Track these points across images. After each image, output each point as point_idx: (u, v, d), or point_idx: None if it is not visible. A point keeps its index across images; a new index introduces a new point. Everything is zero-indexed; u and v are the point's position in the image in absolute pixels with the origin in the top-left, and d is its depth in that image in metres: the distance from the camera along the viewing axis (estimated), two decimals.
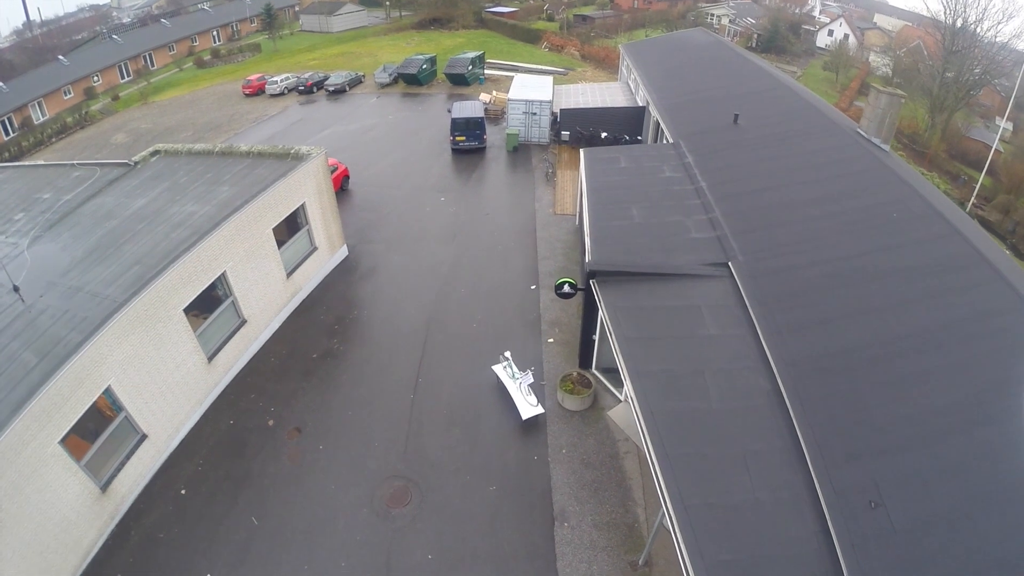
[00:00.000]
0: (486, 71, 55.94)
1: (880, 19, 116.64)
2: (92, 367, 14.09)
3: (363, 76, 57.44)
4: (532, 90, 38.89)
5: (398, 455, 16.80)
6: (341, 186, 31.55)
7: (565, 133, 37.31)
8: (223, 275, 18.47)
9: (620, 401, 17.83)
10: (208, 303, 18.47)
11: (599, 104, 37.95)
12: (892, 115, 21.07)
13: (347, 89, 54.39)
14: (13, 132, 61.34)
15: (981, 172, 46.74)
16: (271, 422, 18.01)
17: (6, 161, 48.87)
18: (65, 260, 17.43)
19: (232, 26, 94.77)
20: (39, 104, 65.67)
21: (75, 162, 24.60)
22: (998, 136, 49.94)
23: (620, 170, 22.26)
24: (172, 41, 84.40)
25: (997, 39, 58.65)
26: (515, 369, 18.03)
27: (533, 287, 23.27)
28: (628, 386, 13.27)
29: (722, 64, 35.26)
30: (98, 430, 14.89)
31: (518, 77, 44.25)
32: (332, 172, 29.39)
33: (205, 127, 48.66)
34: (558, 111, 37.76)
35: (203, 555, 14.53)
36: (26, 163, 32.71)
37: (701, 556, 10.09)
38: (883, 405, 11.84)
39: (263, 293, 20.47)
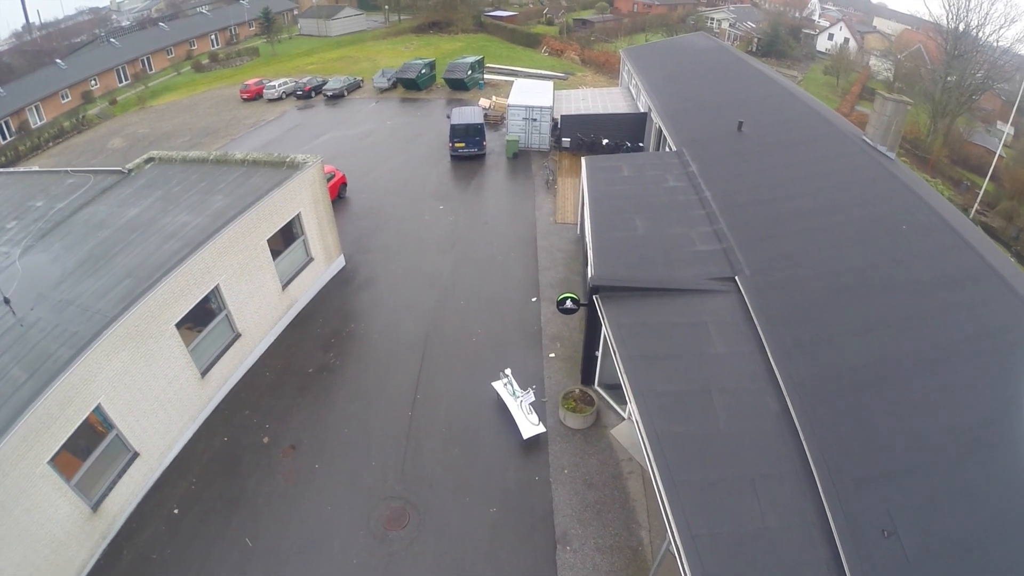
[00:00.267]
0: (485, 76, 55.63)
1: (879, 23, 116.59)
2: (81, 385, 13.70)
3: (361, 81, 57.11)
4: (532, 95, 38.50)
5: (396, 474, 16.35)
6: (338, 193, 31.15)
7: (566, 140, 36.94)
8: (216, 288, 18.02)
9: (623, 419, 17.43)
10: (201, 316, 18.02)
11: (600, 110, 37.62)
12: (898, 122, 20.80)
13: (345, 94, 54.02)
14: (10, 136, 60.83)
15: (983, 177, 46.50)
16: (266, 439, 17.57)
17: (2, 166, 48.42)
18: (56, 272, 17.10)
19: (230, 30, 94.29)
20: (36, 108, 65.10)
21: (69, 169, 24.27)
22: (1002, 141, 49.52)
23: (623, 179, 21.86)
24: (170, 45, 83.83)
25: (999, 44, 58.41)
26: (516, 387, 17.60)
27: (534, 299, 22.83)
28: (633, 408, 12.88)
29: (724, 69, 34.93)
30: (89, 447, 14.49)
31: (518, 82, 43.90)
32: (329, 180, 29.09)
33: (202, 132, 48.25)
34: (559, 117, 37.40)
35: None
36: (21, 169, 32.24)
37: None
38: (893, 426, 11.49)
39: (258, 306, 20.03)
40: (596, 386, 18.52)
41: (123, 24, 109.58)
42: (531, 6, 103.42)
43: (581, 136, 36.37)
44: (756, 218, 18.28)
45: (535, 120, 36.84)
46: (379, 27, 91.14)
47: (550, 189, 32.14)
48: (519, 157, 36.72)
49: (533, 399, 17.17)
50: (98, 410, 14.33)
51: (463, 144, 36.02)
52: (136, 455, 15.63)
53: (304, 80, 56.68)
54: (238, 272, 18.78)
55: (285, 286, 21.42)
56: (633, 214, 19.29)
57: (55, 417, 13.02)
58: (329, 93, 53.38)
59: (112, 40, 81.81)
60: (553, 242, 26.80)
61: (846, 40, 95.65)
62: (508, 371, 18.16)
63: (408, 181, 34.12)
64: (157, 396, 16.15)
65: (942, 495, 10.30)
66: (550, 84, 42.80)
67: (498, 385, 18.02)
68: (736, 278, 15.88)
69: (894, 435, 11.33)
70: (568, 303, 17.07)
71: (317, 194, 22.37)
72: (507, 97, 40.91)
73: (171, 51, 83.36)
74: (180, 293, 16.49)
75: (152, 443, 16.15)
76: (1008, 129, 54.79)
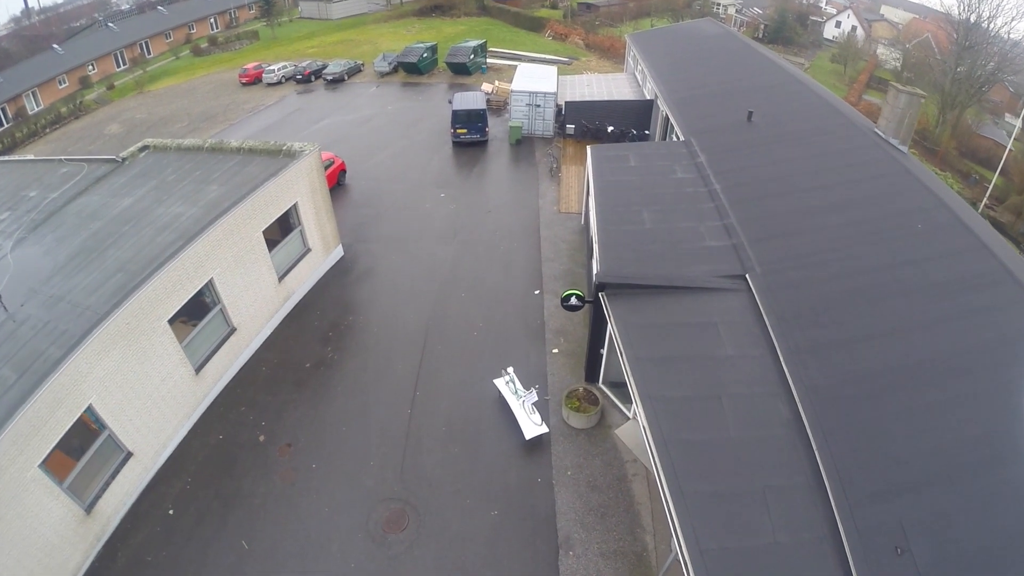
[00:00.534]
0: (488, 60, 54.65)
1: (887, 11, 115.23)
2: (72, 386, 13.36)
3: (362, 65, 56.24)
4: (536, 81, 37.71)
5: (395, 474, 15.95)
6: (338, 180, 30.62)
7: (570, 126, 36.23)
8: (210, 282, 17.56)
9: (628, 419, 16.99)
10: (196, 309, 17.59)
11: (605, 97, 36.90)
12: (911, 115, 20.21)
13: (346, 78, 53.21)
14: (7, 122, 60.29)
15: (992, 170, 45.84)
16: (262, 437, 17.18)
17: (0, 152, 48.07)
18: (48, 265, 16.78)
19: (230, 13, 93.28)
20: (34, 94, 64.52)
21: (63, 158, 23.93)
22: (1012, 136, 48.80)
23: (629, 169, 21.27)
24: (169, 28, 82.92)
25: (1010, 35, 57.78)
26: (519, 386, 17.14)
27: (537, 292, 22.31)
28: (640, 413, 12.46)
29: (732, 56, 34.18)
30: (82, 446, 14.20)
31: (521, 67, 43.08)
32: (328, 167, 28.64)
33: (200, 117, 47.65)
34: (563, 103, 36.64)
35: None
36: (15, 158, 31.85)
37: None
38: (908, 437, 11.12)
39: (253, 299, 19.56)
40: (601, 384, 18.06)
41: (123, 8, 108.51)
42: None
43: (586, 123, 35.66)
44: (767, 213, 17.75)
45: (539, 106, 36.10)
46: (380, 10, 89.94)
47: (554, 177, 31.52)
48: (522, 144, 36.04)
49: (536, 399, 16.71)
50: (89, 410, 14.02)
51: (465, 130, 35.35)
52: (130, 455, 15.32)
53: (304, 64, 55.87)
54: (233, 265, 18.31)
55: (282, 278, 20.95)
56: (640, 206, 18.74)
57: (45, 420, 12.70)
58: (329, 77, 52.57)
59: (110, 24, 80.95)
60: (557, 232, 26.24)
61: (853, 28, 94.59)
62: (510, 369, 17.70)
63: (409, 168, 33.51)
64: (150, 395, 15.79)
65: (957, 510, 9.98)
66: (554, 69, 41.99)
67: (500, 383, 17.58)
68: (747, 276, 15.40)
69: (909, 446, 10.96)
70: (573, 300, 16.56)
71: (314, 183, 21.82)
72: (510, 82, 40.18)
73: (170, 35, 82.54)
74: (172, 288, 16.07)
75: (146, 442, 15.82)
76: (1018, 122, 54.17)
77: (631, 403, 16.53)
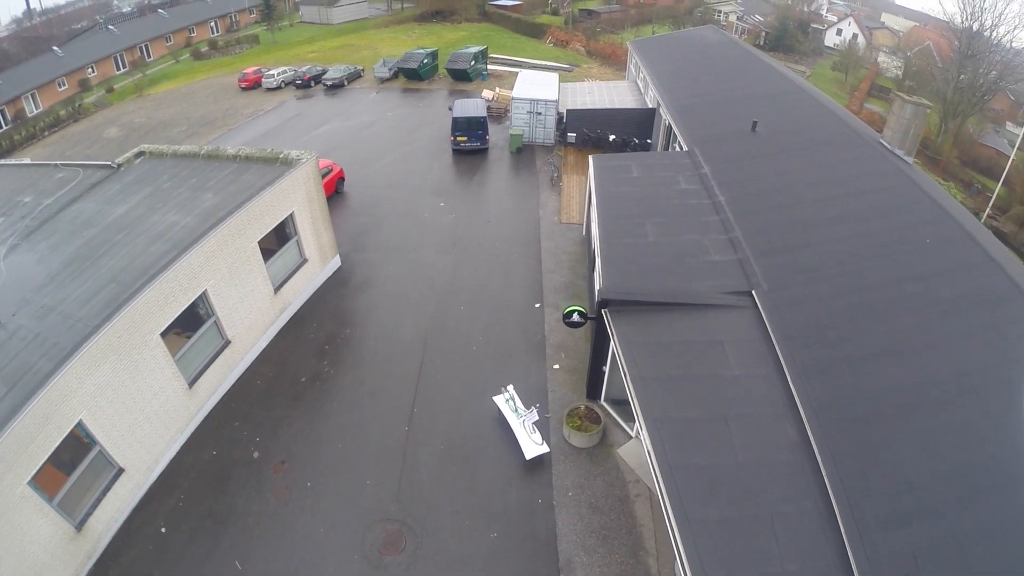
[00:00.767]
0: (489, 66, 54.44)
1: (888, 18, 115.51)
2: (61, 401, 13.00)
3: (362, 70, 56.00)
4: (537, 88, 37.40)
5: (391, 494, 15.55)
6: (336, 188, 30.28)
7: (571, 135, 35.90)
8: (204, 294, 17.20)
9: (631, 437, 16.62)
10: (189, 321, 17.24)
11: (607, 105, 36.55)
12: (917, 126, 20.01)
13: (345, 84, 52.94)
14: (6, 125, 60.02)
15: (993, 179, 45.64)
16: (256, 453, 16.78)
17: None
18: (40, 274, 16.46)
19: (231, 17, 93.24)
20: (33, 96, 64.28)
21: (59, 163, 23.70)
22: (1016, 145, 48.57)
23: (632, 180, 20.91)
24: (169, 32, 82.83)
25: (1013, 44, 57.71)
26: (519, 404, 16.77)
27: (537, 305, 21.92)
28: (645, 435, 12.09)
29: (735, 64, 33.91)
30: (73, 461, 13.86)
31: (522, 74, 42.76)
32: (326, 175, 28.32)
33: (199, 122, 47.32)
34: (564, 111, 36.32)
35: None
36: (11, 161, 31.56)
37: None
38: (918, 459, 10.78)
39: (248, 311, 19.19)
40: (602, 401, 17.68)
41: (124, 10, 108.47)
42: None
43: (587, 131, 35.34)
44: (773, 226, 17.42)
45: (540, 114, 35.79)
46: (381, 15, 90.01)
47: (555, 186, 31.17)
48: (523, 152, 35.72)
49: (537, 418, 16.34)
50: (80, 426, 13.64)
51: (465, 138, 35.02)
52: (121, 471, 14.96)
53: (303, 69, 55.58)
54: (227, 276, 17.95)
55: (277, 289, 20.57)
56: (643, 218, 18.39)
57: (34, 436, 12.37)
58: (329, 83, 52.30)
59: (110, 27, 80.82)
60: (558, 243, 25.86)
61: (855, 36, 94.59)
62: (510, 387, 17.33)
63: (408, 175, 33.15)
64: (142, 409, 15.42)
65: (970, 536, 9.71)
66: (555, 76, 41.75)
67: (499, 400, 17.20)
68: (753, 292, 15.04)
69: (920, 469, 10.63)
70: (575, 316, 16.15)
71: (311, 192, 21.47)
72: (511, 89, 39.89)
73: (170, 38, 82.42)
74: (165, 300, 15.71)
75: (138, 458, 15.46)
76: (1021, 132, 54.11)
77: (633, 421, 16.19)
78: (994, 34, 56.42)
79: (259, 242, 19.22)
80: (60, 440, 13.04)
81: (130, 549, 14.47)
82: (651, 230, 17.83)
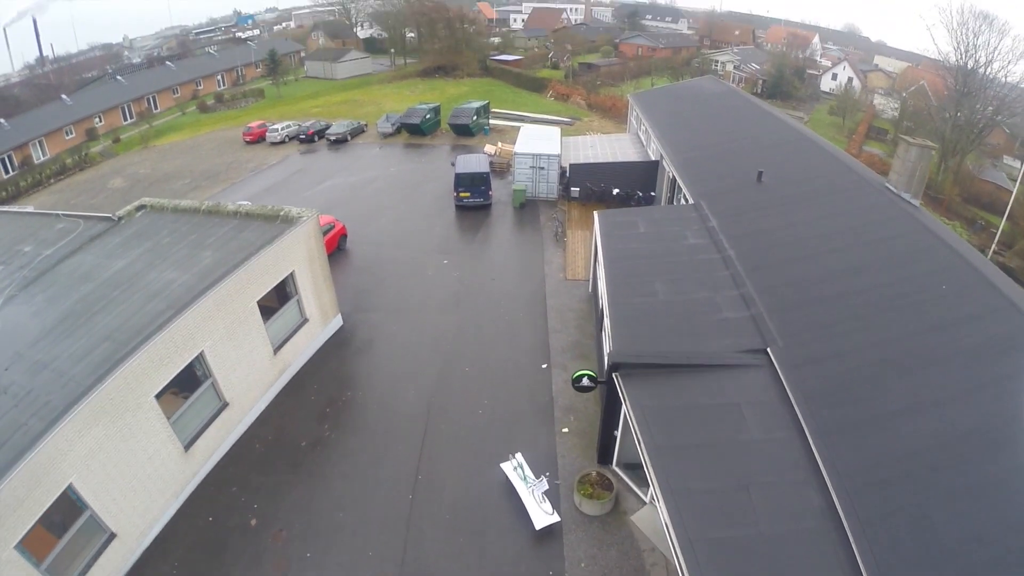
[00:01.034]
0: (491, 121, 54.92)
1: (880, 60, 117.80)
2: (50, 464, 12.54)
3: (365, 125, 56.56)
4: (539, 143, 37.48)
5: (395, 567, 14.74)
6: (338, 245, 30.01)
7: (575, 189, 35.78)
8: (201, 355, 16.74)
9: (644, 503, 15.86)
10: (186, 380, 16.75)
11: (610, 158, 36.54)
12: (923, 168, 19.96)
13: (349, 138, 53.38)
14: (13, 171, 60.55)
15: (995, 213, 45.48)
16: (254, 521, 16.04)
17: (3, 201, 48.11)
18: (36, 328, 16.24)
19: (237, 70, 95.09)
20: (40, 143, 64.96)
21: (60, 213, 23.63)
22: (1019, 179, 48.57)
23: (639, 236, 20.61)
24: (176, 84, 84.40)
25: (1007, 79, 58.33)
26: (527, 473, 16.08)
27: (544, 366, 21.30)
28: (662, 508, 11.45)
29: (736, 114, 34.12)
30: (64, 523, 13.34)
31: (524, 128, 43.02)
32: (328, 231, 28.08)
33: (203, 175, 47.55)
34: (567, 166, 36.31)
35: None
36: (14, 209, 31.71)
37: None
38: (951, 522, 10.18)
39: (247, 373, 18.65)
40: (614, 466, 16.96)
41: (134, 61, 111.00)
42: (536, 50, 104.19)
43: (591, 185, 35.24)
44: (785, 280, 17.03)
45: (543, 168, 35.69)
46: (385, 70, 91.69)
47: (559, 242, 30.86)
48: (526, 207, 35.49)
49: (547, 487, 15.61)
50: (70, 489, 13.14)
51: (468, 194, 34.80)
52: (113, 536, 14.34)
53: (307, 124, 56.14)
54: (225, 337, 17.49)
55: (277, 350, 20.07)
56: (652, 276, 17.99)
57: (21, 500, 11.92)
58: (332, 137, 52.76)
59: (119, 77, 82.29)
60: (564, 301, 25.37)
61: (850, 79, 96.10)
62: (519, 455, 16.66)
63: (411, 233, 32.90)
64: (135, 474, 14.86)
65: None
66: (557, 130, 41.96)
67: (507, 467, 16.50)
68: (768, 350, 14.51)
69: (954, 534, 10.05)
70: (585, 381, 15.54)
71: (312, 251, 21.14)
72: (513, 143, 40.02)
73: (177, 90, 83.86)
74: (160, 362, 15.25)
75: (130, 523, 14.84)
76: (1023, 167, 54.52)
77: (647, 486, 15.47)
78: (988, 70, 57.11)
79: (259, 301, 18.82)
80: (49, 504, 12.61)
81: None
82: (660, 288, 17.41)
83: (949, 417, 11.94)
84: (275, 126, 55.44)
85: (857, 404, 12.65)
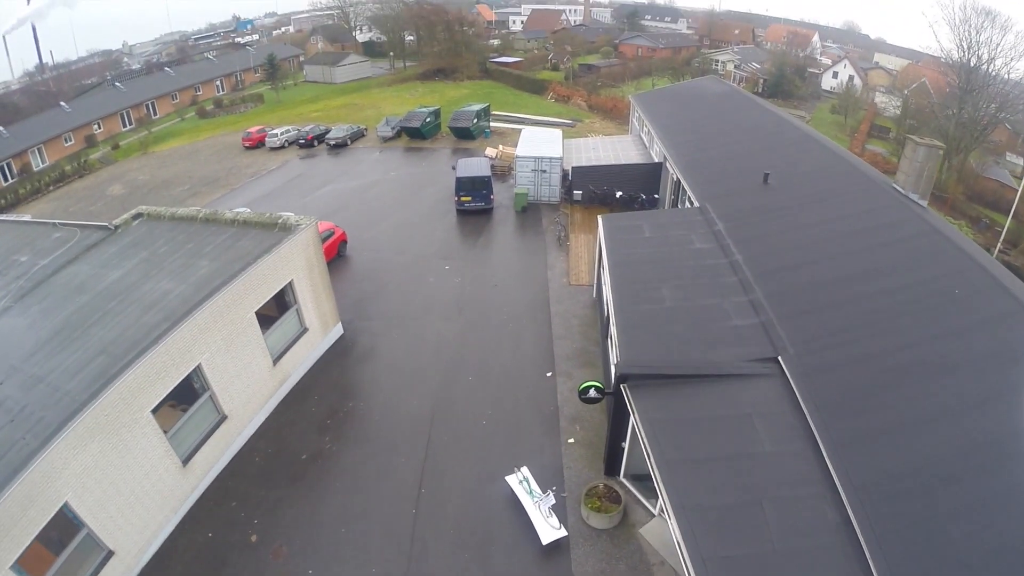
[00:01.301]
0: (492, 123, 54.48)
1: (880, 58, 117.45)
2: (45, 483, 12.33)
3: (365, 129, 56.19)
4: (541, 146, 37.04)
5: None
6: (338, 251, 29.70)
7: (577, 192, 35.39)
8: (198, 368, 16.42)
9: (653, 515, 15.48)
10: (183, 393, 16.46)
11: (612, 161, 36.13)
12: (930, 168, 19.57)
13: (348, 143, 53.04)
14: (12, 178, 60.36)
15: (998, 211, 45.03)
16: (254, 537, 15.72)
17: (2, 209, 48.21)
18: (31, 340, 16.15)
19: (236, 76, 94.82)
20: (39, 150, 64.72)
21: (57, 222, 23.50)
22: None
23: (645, 241, 20.25)
24: (175, 90, 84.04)
25: (1010, 76, 57.91)
26: (534, 487, 15.71)
27: (549, 374, 20.89)
28: (674, 525, 11.15)
29: (740, 115, 33.79)
30: (62, 540, 13.17)
31: (526, 131, 42.66)
32: (327, 238, 27.79)
33: (202, 181, 47.28)
34: (569, 168, 35.91)
35: None
36: (11, 218, 31.53)
37: None
38: (968, 536, 9.92)
39: (246, 384, 18.31)
40: (622, 478, 16.57)
41: (133, 67, 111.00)
42: (536, 52, 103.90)
43: (593, 188, 34.82)
44: (794, 285, 16.66)
45: (545, 172, 35.28)
46: (384, 74, 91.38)
47: (562, 247, 30.45)
48: (528, 211, 35.03)
49: (553, 502, 15.24)
50: (66, 507, 12.91)
51: (469, 198, 34.40)
52: (111, 553, 14.10)
53: (307, 128, 55.84)
54: (223, 349, 17.17)
55: (276, 360, 19.72)
56: (659, 282, 17.63)
57: (16, 519, 11.72)
58: (332, 142, 52.42)
59: (117, 84, 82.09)
60: (568, 307, 24.95)
61: (851, 78, 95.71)
62: (524, 469, 16.28)
63: (412, 238, 32.55)
64: (132, 490, 14.59)
65: None
66: (559, 133, 41.54)
67: (512, 480, 16.12)
68: (779, 358, 14.17)
69: (968, 547, 9.82)
70: (592, 392, 15.17)
71: (311, 259, 20.80)
72: (514, 146, 39.65)
73: (176, 96, 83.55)
74: (156, 376, 14.96)
75: (128, 540, 14.60)
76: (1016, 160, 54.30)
77: (656, 498, 15.12)
78: (991, 67, 56.58)
79: (257, 311, 18.51)
80: (44, 523, 12.40)
81: None
82: (667, 294, 17.06)
83: (965, 427, 11.63)
84: (274, 131, 55.10)
85: (871, 414, 12.34)
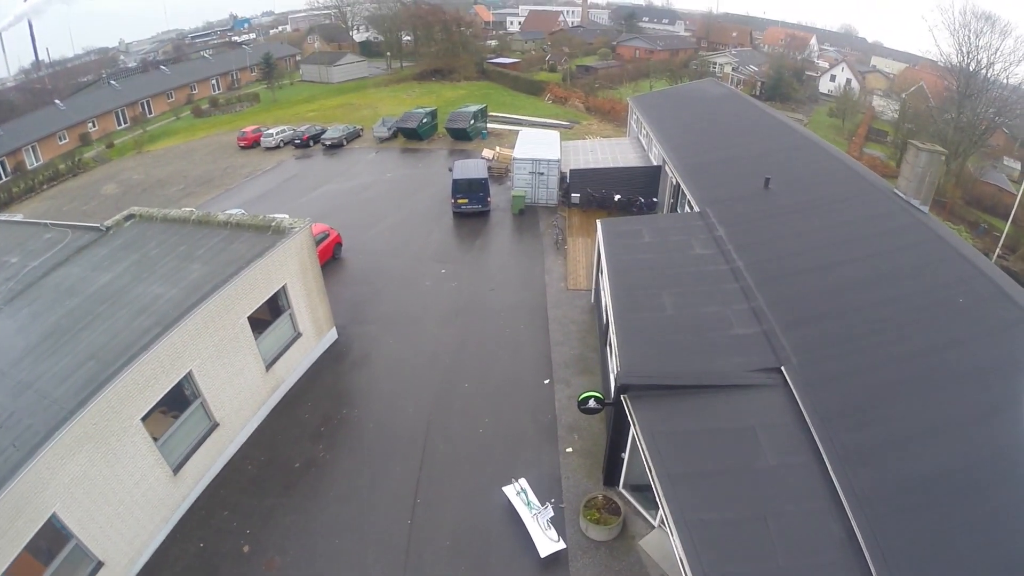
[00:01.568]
0: (489, 125, 54.17)
1: (878, 61, 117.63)
2: (32, 493, 12.07)
3: (361, 130, 55.89)
4: (539, 148, 36.71)
5: None
6: (333, 254, 29.38)
7: (575, 195, 35.09)
8: (189, 374, 16.12)
9: (653, 527, 15.20)
10: (174, 400, 16.15)
11: (611, 163, 35.89)
12: (932, 174, 19.38)
13: (344, 143, 52.76)
14: (6, 176, 60.09)
15: (997, 216, 44.95)
16: (246, 547, 15.42)
17: None
18: (19, 345, 15.91)
19: (232, 75, 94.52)
20: (33, 148, 64.46)
21: (48, 222, 23.20)
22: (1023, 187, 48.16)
23: (644, 246, 19.97)
24: (171, 88, 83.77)
25: (1009, 81, 58.03)
26: (531, 498, 15.42)
27: (547, 381, 20.59)
28: (676, 541, 10.91)
29: (740, 118, 33.56)
30: (51, 550, 12.91)
31: (523, 133, 42.35)
32: (322, 240, 27.49)
33: (196, 181, 47.01)
34: (567, 171, 35.60)
35: None
36: (2, 217, 31.24)
37: None
38: (976, 551, 9.81)
39: (238, 391, 18.00)
40: (621, 488, 16.29)
41: (130, 65, 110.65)
42: (534, 53, 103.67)
43: (591, 191, 34.53)
44: (797, 293, 16.43)
45: (542, 174, 34.96)
46: (381, 74, 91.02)
47: (560, 250, 30.14)
48: (525, 213, 34.73)
49: (552, 514, 14.94)
50: (54, 519, 12.65)
51: (466, 200, 34.06)
52: (100, 564, 13.84)
53: (302, 128, 55.56)
54: (214, 355, 16.86)
55: (269, 366, 19.40)
56: (659, 289, 17.36)
57: (3, 531, 11.55)
58: (328, 142, 52.14)
59: (113, 82, 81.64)
60: (565, 312, 24.64)
61: (848, 81, 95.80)
62: (522, 480, 15.99)
63: (408, 240, 32.20)
64: (122, 500, 14.33)
65: None
66: (557, 135, 41.24)
67: (510, 491, 15.83)
68: (782, 368, 13.91)
69: (977, 562, 9.71)
70: (591, 403, 14.85)
71: (305, 263, 20.49)
72: (511, 147, 39.40)
73: (172, 95, 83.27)
74: (146, 383, 14.66)
75: (118, 551, 14.33)
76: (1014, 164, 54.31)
77: (656, 509, 14.86)
78: (990, 72, 56.72)
79: (249, 316, 18.20)
80: (32, 534, 12.16)
81: None
82: (668, 301, 16.79)
83: (971, 439, 11.51)
84: (270, 131, 54.81)
85: (876, 426, 12.14)
